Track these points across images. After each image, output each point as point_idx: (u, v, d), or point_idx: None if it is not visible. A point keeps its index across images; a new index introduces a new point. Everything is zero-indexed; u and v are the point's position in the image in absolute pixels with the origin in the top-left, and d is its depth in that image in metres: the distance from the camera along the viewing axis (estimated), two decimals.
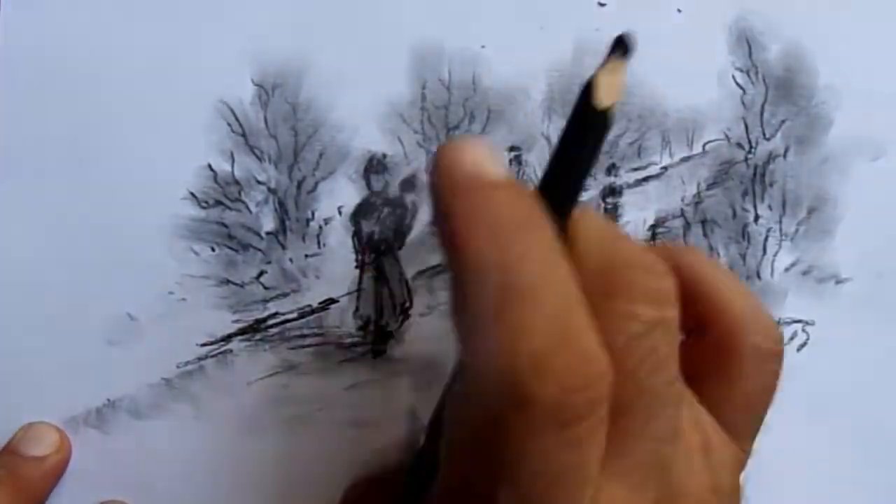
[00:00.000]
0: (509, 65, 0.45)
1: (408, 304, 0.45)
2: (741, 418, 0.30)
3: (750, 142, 0.46)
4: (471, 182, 0.22)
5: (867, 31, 0.46)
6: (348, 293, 0.45)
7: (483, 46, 0.45)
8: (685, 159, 0.46)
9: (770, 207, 0.46)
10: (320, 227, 0.45)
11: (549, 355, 0.20)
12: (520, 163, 0.45)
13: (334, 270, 0.45)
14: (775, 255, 0.46)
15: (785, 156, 0.46)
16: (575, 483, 0.21)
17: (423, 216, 0.45)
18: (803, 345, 0.46)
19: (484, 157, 0.23)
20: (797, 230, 0.46)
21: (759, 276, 0.46)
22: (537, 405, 0.20)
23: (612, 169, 0.46)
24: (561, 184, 0.25)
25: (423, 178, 0.45)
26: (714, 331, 0.30)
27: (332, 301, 0.45)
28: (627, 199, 0.46)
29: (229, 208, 0.44)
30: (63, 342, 0.43)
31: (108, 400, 0.43)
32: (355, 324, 0.45)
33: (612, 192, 0.46)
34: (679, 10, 0.46)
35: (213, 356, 0.44)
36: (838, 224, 0.46)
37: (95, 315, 0.43)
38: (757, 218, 0.46)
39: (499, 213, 0.21)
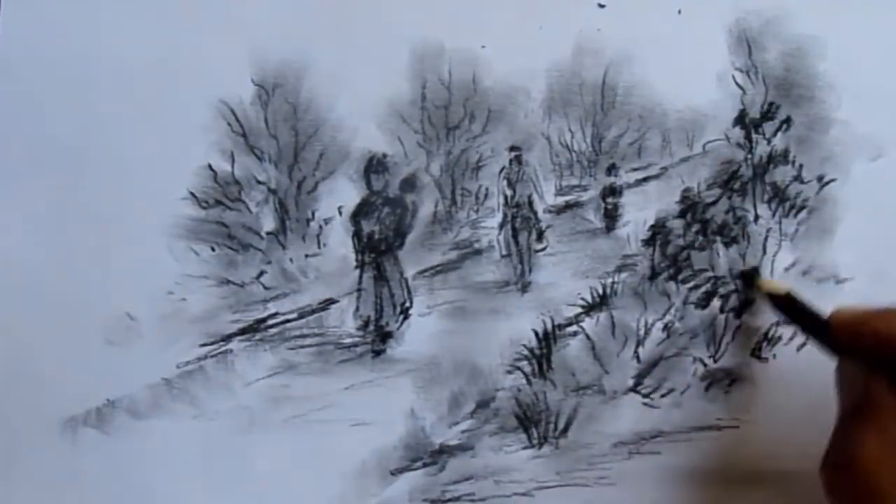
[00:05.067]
0: (509, 65, 0.45)
1: (408, 304, 0.45)
2: None
3: (750, 142, 0.46)
4: None
5: (867, 32, 0.46)
6: (348, 293, 0.45)
7: (483, 46, 0.45)
8: (685, 159, 0.46)
9: (770, 207, 0.46)
10: (320, 227, 0.45)
11: None
12: (520, 163, 0.45)
13: (334, 270, 0.45)
14: (775, 255, 0.46)
15: (785, 156, 0.46)
16: None
17: (423, 216, 0.45)
18: (803, 345, 0.46)
19: None
20: (797, 230, 0.46)
21: (758, 276, 0.46)
22: None
23: (612, 169, 0.46)
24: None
25: (423, 178, 0.45)
26: None
27: (332, 301, 0.45)
28: (627, 199, 0.46)
29: (229, 208, 0.44)
30: (63, 342, 0.43)
31: (108, 400, 0.43)
32: (355, 324, 0.45)
33: (612, 192, 0.46)
34: (679, 11, 0.46)
35: (213, 356, 0.44)
36: (838, 224, 0.46)
37: (95, 315, 0.43)
38: (757, 218, 0.46)
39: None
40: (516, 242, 0.45)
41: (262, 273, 0.44)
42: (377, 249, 0.45)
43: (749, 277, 0.45)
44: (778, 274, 0.46)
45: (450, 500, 0.44)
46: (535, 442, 0.45)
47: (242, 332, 0.44)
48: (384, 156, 0.45)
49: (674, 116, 0.46)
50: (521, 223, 0.45)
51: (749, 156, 0.46)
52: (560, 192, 0.46)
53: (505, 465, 0.44)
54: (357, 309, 0.45)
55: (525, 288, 0.45)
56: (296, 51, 0.44)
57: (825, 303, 0.46)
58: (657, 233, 0.46)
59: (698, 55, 0.46)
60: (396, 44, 0.44)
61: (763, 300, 0.45)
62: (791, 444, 0.45)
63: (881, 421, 0.33)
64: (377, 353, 0.45)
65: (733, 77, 0.46)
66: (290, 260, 0.44)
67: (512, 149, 0.45)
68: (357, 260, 0.45)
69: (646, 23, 0.45)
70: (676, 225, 0.46)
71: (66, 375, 0.43)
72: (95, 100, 0.43)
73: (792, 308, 0.43)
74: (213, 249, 0.44)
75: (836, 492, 0.35)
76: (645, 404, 0.45)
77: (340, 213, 0.45)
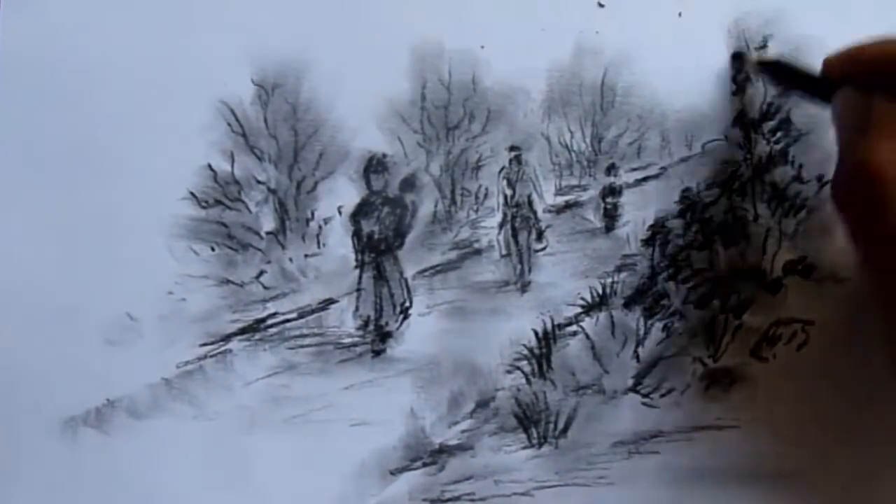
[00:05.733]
0: (509, 65, 0.45)
1: (408, 304, 0.45)
2: None
3: (749, 142, 0.46)
4: None
5: (867, 32, 0.46)
6: (348, 293, 0.45)
7: (483, 46, 0.45)
8: (684, 159, 0.46)
9: (769, 207, 0.46)
10: (320, 227, 0.45)
11: None
12: (520, 163, 0.45)
13: (334, 270, 0.45)
14: (775, 254, 0.46)
15: (784, 156, 0.46)
16: None
17: (423, 216, 0.45)
18: (803, 345, 0.46)
19: None
20: (797, 230, 0.46)
21: (758, 276, 0.46)
22: None
23: (612, 169, 0.46)
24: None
25: (423, 177, 0.45)
26: None
27: (332, 301, 0.45)
28: (627, 199, 0.46)
29: (229, 208, 0.44)
30: (63, 342, 0.43)
31: (108, 400, 0.43)
32: (355, 324, 0.45)
33: (612, 192, 0.46)
34: (679, 14, 0.46)
35: (212, 356, 0.44)
36: (838, 224, 0.46)
37: (95, 315, 0.43)
38: (757, 218, 0.46)
39: None
40: (516, 242, 0.45)
41: (261, 273, 0.44)
42: (377, 249, 0.45)
43: (738, 58, 0.46)
44: (777, 273, 0.46)
45: (449, 499, 0.44)
46: (534, 442, 0.45)
47: (242, 331, 0.44)
48: (384, 156, 0.45)
49: (673, 117, 0.46)
50: (521, 223, 0.46)
51: (748, 156, 0.46)
52: (560, 191, 0.46)
53: (505, 465, 0.44)
54: (357, 309, 0.45)
55: (525, 288, 0.45)
56: (296, 51, 0.44)
57: (825, 303, 0.46)
58: (657, 233, 0.46)
59: (698, 55, 0.46)
60: (396, 44, 0.44)
61: (756, 73, 0.46)
62: (791, 444, 0.45)
63: (886, 130, 0.36)
64: (377, 353, 0.45)
65: (733, 77, 0.46)
66: (290, 260, 0.44)
67: (511, 149, 0.45)
68: (357, 260, 0.45)
69: (645, 23, 0.46)
70: (676, 225, 0.46)
71: (66, 375, 0.43)
72: (94, 100, 0.43)
73: (783, 71, 0.45)
74: (212, 249, 0.44)
75: (847, 204, 0.38)
76: (645, 404, 0.45)
77: (340, 212, 0.45)
